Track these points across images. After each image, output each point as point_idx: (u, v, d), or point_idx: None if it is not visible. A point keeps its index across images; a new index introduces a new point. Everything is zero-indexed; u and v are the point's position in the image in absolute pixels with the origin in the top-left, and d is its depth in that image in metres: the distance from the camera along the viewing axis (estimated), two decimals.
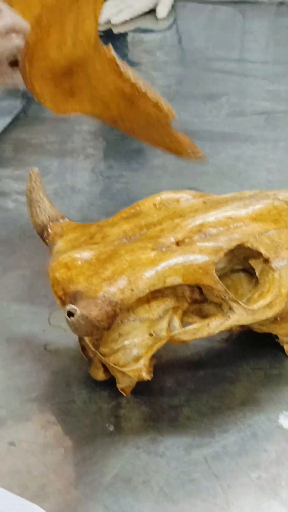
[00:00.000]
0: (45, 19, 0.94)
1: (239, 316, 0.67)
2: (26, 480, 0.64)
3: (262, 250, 0.68)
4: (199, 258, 0.65)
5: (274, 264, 0.68)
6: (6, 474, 0.64)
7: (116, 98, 1.02)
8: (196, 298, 0.69)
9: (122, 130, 1.05)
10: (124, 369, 0.68)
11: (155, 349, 0.68)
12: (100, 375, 0.72)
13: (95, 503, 0.62)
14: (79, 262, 0.67)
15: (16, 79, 1.00)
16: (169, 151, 1.03)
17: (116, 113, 1.03)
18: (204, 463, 0.65)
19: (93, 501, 0.62)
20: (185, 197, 0.74)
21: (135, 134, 1.04)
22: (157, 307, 0.68)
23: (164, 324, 0.68)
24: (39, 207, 0.75)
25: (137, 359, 0.68)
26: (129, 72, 0.99)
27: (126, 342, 0.67)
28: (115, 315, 0.64)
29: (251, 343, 0.77)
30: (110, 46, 0.97)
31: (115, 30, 1.78)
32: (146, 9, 1.85)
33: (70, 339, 0.78)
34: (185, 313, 0.70)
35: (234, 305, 0.67)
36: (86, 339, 0.70)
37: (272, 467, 0.64)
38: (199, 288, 0.68)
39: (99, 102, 1.03)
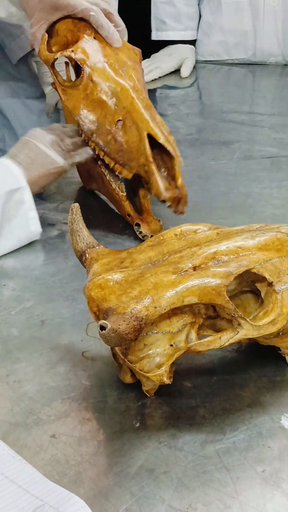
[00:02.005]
0: None
1: (247, 331, 0.66)
2: (64, 468, 0.63)
3: (267, 275, 0.67)
4: (213, 281, 0.64)
5: (277, 287, 0.67)
6: (48, 462, 0.64)
7: None
8: (210, 315, 0.68)
9: None
10: (148, 374, 0.67)
11: (174, 357, 0.67)
12: (128, 379, 0.71)
13: (123, 490, 0.61)
14: (111, 283, 0.66)
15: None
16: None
17: None
18: (216, 457, 0.64)
19: (121, 488, 0.61)
20: (202, 229, 0.73)
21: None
22: (177, 322, 0.67)
23: (182, 336, 0.67)
24: (79, 236, 0.75)
25: (159, 366, 0.67)
26: None
27: (150, 352, 0.67)
28: (141, 329, 0.63)
29: (257, 353, 0.76)
30: None
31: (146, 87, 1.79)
32: (172, 69, 1.86)
33: (103, 348, 0.78)
34: (200, 327, 0.69)
35: (242, 321, 0.66)
36: (117, 348, 0.69)
37: (275, 462, 0.63)
38: (212, 306, 0.67)
39: None
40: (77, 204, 0.76)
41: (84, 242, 0.74)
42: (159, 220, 1.02)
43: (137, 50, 1.07)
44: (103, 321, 0.62)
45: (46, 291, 0.91)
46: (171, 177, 0.98)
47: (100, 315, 0.65)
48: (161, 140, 0.96)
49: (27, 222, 0.98)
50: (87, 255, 0.73)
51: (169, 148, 0.97)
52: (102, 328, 0.62)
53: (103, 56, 1.01)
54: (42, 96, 1.37)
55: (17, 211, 0.97)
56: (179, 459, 0.64)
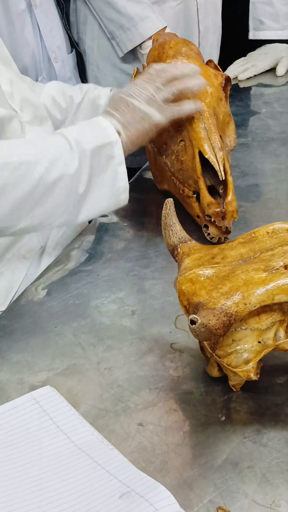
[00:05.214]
0: None
1: None
2: (150, 456, 0.63)
3: None
4: None
5: None
6: (135, 449, 0.64)
7: None
8: None
9: None
10: (235, 370, 0.66)
11: (262, 354, 0.65)
12: (215, 373, 0.70)
13: (207, 482, 0.60)
14: (202, 278, 0.65)
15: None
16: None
17: None
18: None
19: (206, 479, 0.60)
20: None
21: None
22: (266, 320, 0.65)
23: (271, 334, 0.65)
24: (172, 230, 0.74)
25: (246, 362, 0.65)
26: None
27: (238, 347, 0.65)
28: (230, 324, 0.62)
29: None
30: None
31: (241, 85, 1.76)
32: (267, 68, 1.82)
33: (191, 340, 0.77)
34: None
35: None
36: (205, 342, 0.68)
37: None
38: None
39: None
40: (171, 199, 0.75)
41: (177, 237, 0.73)
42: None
43: (221, 75, 1.04)
44: (194, 315, 0.61)
45: (138, 282, 0.91)
46: (226, 193, 0.97)
47: (190, 309, 0.64)
48: (207, 155, 0.95)
49: (116, 177, 0.92)
50: (179, 250, 0.72)
51: (213, 163, 0.95)
52: (193, 322, 0.61)
53: None
54: None
55: (107, 166, 0.91)
56: (263, 455, 0.62)
